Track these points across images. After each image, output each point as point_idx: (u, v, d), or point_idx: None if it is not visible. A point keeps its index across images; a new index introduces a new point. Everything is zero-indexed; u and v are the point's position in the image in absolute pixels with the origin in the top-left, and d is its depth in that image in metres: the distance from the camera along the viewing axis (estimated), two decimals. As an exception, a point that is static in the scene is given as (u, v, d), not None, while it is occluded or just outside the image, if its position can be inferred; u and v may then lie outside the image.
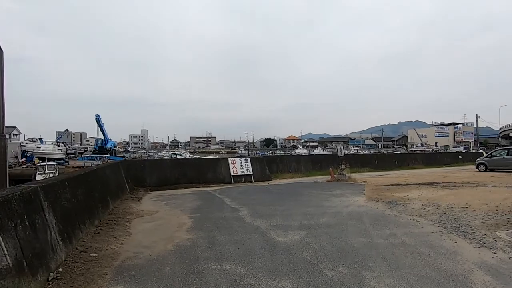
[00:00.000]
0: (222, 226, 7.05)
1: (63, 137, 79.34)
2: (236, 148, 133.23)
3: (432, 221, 6.98)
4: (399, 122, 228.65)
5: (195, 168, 16.94)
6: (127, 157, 53.52)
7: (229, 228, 6.85)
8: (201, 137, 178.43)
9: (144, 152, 78.23)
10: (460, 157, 31.90)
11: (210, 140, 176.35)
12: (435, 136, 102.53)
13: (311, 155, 40.61)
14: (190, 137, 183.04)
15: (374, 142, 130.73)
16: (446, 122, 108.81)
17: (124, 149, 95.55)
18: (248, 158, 18.02)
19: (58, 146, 60.12)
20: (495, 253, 4.93)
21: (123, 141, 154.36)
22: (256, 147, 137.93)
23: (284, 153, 69.95)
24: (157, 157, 55.26)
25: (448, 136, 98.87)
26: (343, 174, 16.68)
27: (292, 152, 79.34)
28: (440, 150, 75.07)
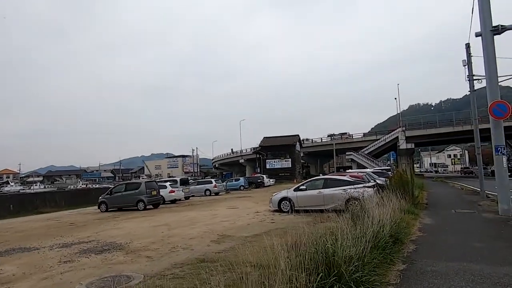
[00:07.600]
0: None
1: None
2: None
3: None
4: (152, 154, 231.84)
5: None
6: None
7: None
8: None
9: None
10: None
11: None
12: (168, 168, 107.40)
13: None
14: None
15: (112, 175, 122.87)
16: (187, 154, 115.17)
17: None
18: None
19: None
20: None
21: None
22: None
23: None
24: None
25: (178, 167, 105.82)
26: None
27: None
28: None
